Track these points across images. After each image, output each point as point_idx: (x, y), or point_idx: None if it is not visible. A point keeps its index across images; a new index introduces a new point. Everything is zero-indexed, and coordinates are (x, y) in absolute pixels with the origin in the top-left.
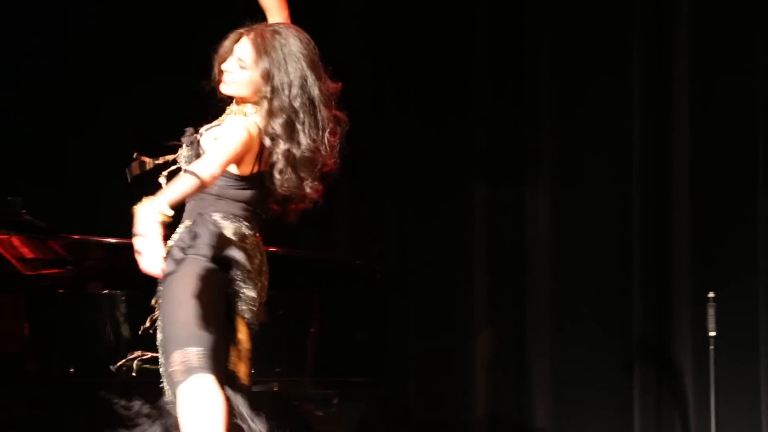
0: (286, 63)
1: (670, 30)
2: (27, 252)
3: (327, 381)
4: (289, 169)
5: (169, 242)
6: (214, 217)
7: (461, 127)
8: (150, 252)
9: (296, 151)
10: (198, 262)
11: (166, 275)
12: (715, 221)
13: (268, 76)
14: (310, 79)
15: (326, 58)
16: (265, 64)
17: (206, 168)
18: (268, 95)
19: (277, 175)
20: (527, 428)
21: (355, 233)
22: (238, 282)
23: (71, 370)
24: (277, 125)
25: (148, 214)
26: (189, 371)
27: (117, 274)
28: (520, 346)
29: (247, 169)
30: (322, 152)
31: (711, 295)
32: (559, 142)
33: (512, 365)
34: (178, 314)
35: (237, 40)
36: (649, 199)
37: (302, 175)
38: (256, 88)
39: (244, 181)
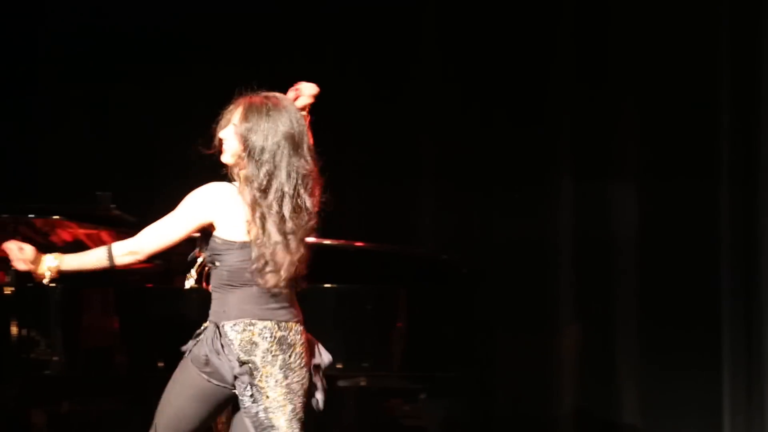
0: (265, 129)
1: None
2: None
3: (413, 376)
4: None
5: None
6: (225, 329)
7: (547, 123)
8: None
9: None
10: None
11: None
12: None
13: (244, 140)
14: (285, 149)
15: (409, 58)
16: (242, 128)
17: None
18: (244, 158)
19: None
20: (614, 424)
21: (441, 229)
22: (244, 394)
23: (160, 364)
24: (252, 190)
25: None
26: None
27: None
28: (607, 342)
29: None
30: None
31: None
32: (645, 138)
33: (599, 361)
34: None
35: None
36: (736, 194)
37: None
38: (236, 152)
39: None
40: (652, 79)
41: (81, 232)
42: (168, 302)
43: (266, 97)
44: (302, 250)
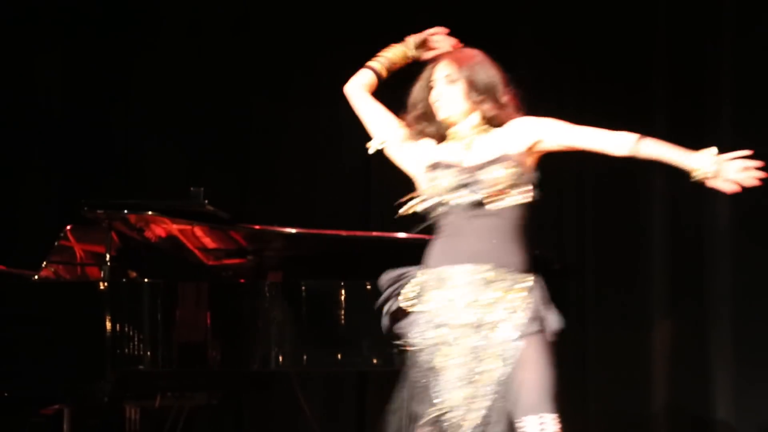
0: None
1: None
2: (209, 242)
3: None
4: None
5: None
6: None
7: (640, 118)
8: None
9: None
10: None
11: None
12: None
13: (473, 83)
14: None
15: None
16: (465, 72)
17: None
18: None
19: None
20: (708, 422)
21: (534, 223)
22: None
23: (251, 359)
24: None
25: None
26: None
27: (297, 264)
28: (700, 339)
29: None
30: None
31: None
32: (736, 132)
33: (692, 358)
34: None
35: (429, 75)
36: None
37: None
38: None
39: None
40: (748, 75)
41: (174, 227)
42: (260, 297)
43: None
44: None
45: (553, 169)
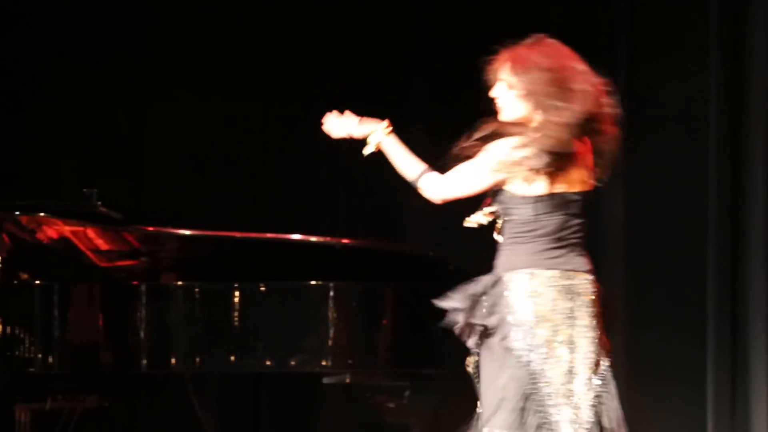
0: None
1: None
2: (102, 243)
3: (399, 372)
4: None
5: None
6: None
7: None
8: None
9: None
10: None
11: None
12: None
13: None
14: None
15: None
16: (515, 79)
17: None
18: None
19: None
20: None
21: (430, 225)
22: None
23: (144, 361)
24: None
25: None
26: None
27: (191, 266)
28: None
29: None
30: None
31: None
32: (632, 134)
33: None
34: None
35: (498, 67)
36: (724, 195)
37: None
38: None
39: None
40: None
41: (67, 229)
42: (155, 299)
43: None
44: None
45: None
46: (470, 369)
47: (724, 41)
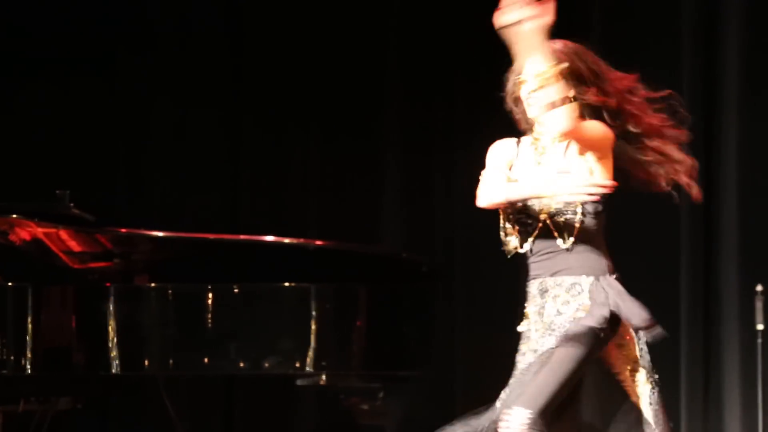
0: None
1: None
2: (75, 245)
3: (373, 374)
4: None
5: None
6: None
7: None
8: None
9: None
10: None
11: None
12: (763, 214)
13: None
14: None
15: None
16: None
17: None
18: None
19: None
20: None
21: (404, 228)
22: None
23: (117, 363)
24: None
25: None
26: None
27: (164, 268)
28: None
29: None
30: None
31: (759, 288)
32: None
33: None
34: None
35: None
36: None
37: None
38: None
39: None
40: None
41: (40, 230)
42: (128, 301)
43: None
44: None
45: (419, 174)
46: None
47: (696, 34)
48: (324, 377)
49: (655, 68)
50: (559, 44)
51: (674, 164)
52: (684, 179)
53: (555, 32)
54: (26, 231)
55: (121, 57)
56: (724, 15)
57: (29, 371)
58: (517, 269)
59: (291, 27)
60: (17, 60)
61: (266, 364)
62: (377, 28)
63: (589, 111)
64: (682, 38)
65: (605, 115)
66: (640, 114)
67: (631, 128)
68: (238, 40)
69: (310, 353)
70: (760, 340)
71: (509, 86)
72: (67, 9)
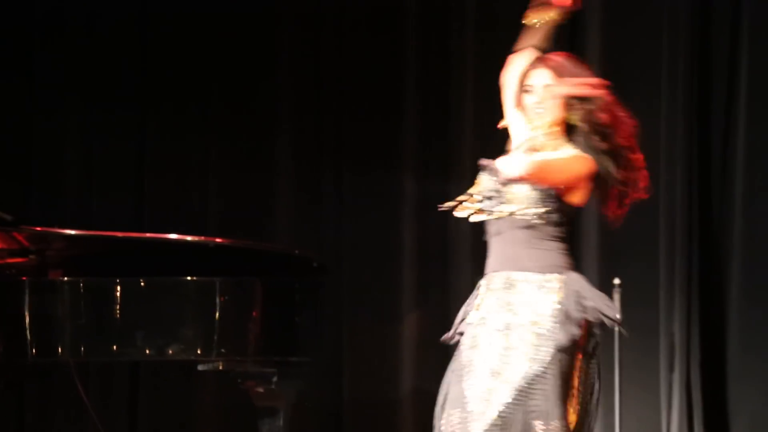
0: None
1: None
2: None
3: (267, 360)
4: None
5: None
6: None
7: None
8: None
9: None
10: None
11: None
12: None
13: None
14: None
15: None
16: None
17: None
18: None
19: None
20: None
21: (296, 226)
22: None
23: (33, 351)
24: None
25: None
26: None
27: (76, 263)
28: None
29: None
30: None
31: (616, 281)
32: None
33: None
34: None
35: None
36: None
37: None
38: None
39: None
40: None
41: None
42: (43, 294)
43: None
44: None
45: (312, 178)
46: None
47: None
48: (223, 363)
49: None
50: (560, 58)
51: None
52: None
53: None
54: None
55: (36, 56)
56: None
57: None
58: (399, 265)
59: (192, 29)
60: None
61: (170, 351)
62: (268, 35)
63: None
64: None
65: (595, 134)
66: (624, 128)
67: (621, 143)
68: (141, 47)
69: (211, 341)
70: (616, 329)
71: (515, 86)
72: None
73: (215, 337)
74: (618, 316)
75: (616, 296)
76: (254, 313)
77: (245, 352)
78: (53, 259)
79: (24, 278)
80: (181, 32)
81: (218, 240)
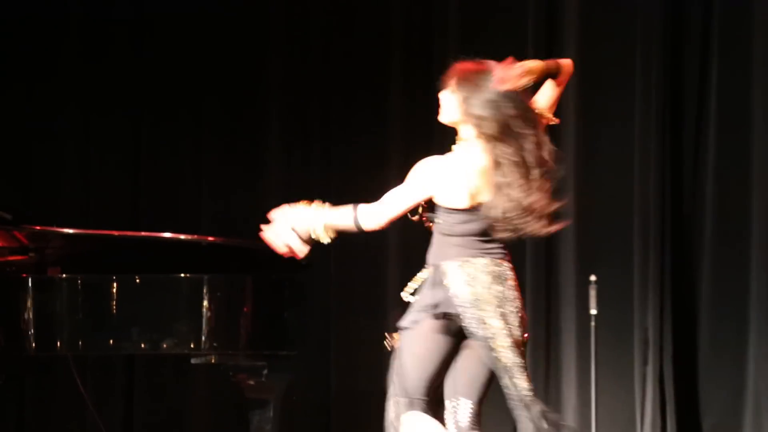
0: (479, 91)
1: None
2: None
3: (257, 354)
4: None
5: (411, 289)
6: (447, 268)
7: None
8: (277, 237)
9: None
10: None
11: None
12: (596, 214)
13: (464, 101)
14: (503, 105)
15: None
16: (462, 90)
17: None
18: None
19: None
20: None
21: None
22: (470, 324)
23: (33, 344)
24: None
25: (304, 216)
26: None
27: (74, 261)
28: None
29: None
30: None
31: (593, 278)
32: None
33: None
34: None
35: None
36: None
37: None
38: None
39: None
40: None
41: None
42: (42, 290)
43: (477, 63)
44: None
45: (301, 181)
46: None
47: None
48: (215, 356)
49: None
50: (470, 68)
51: None
52: None
53: None
54: None
55: (37, 62)
56: None
57: None
58: (385, 260)
59: (185, 32)
60: None
61: (164, 345)
62: (259, 40)
63: None
64: None
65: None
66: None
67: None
68: (135, 58)
69: (203, 335)
70: (593, 323)
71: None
72: None
73: (207, 332)
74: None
75: (593, 292)
76: (245, 309)
77: (236, 345)
78: (52, 256)
79: (24, 275)
80: (174, 35)
81: (210, 238)
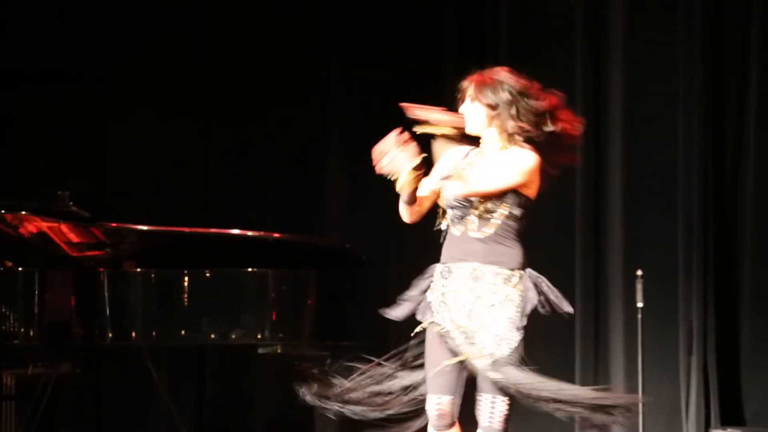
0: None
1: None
2: (73, 237)
3: (321, 344)
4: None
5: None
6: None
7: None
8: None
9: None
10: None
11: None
12: (642, 211)
13: (491, 106)
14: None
15: None
16: (487, 97)
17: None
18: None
19: None
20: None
21: (349, 222)
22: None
23: (110, 335)
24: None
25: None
26: None
27: (148, 256)
28: None
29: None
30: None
31: (639, 273)
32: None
33: None
34: None
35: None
36: (589, 193)
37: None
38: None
39: None
40: None
41: (44, 225)
42: (117, 284)
43: (490, 71)
44: None
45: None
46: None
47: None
48: (281, 346)
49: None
50: (486, 74)
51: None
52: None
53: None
54: (33, 225)
55: (112, 72)
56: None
57: (36, 341)
58: (437, 260)
59: (252, 34)
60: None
61: (233, 336)
62: (318, 37)
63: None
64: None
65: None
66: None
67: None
68: (204, 63)
69: (270, 327)
70: (639, 316)
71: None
72: (63, 27)
73: (273, 323)
74: None
75: (639, 286)
76: (309, 302)
77: (301, 336)
78: (127, 252)
79: (101, 269)
80: (240, 45)
81: (276, 235)
